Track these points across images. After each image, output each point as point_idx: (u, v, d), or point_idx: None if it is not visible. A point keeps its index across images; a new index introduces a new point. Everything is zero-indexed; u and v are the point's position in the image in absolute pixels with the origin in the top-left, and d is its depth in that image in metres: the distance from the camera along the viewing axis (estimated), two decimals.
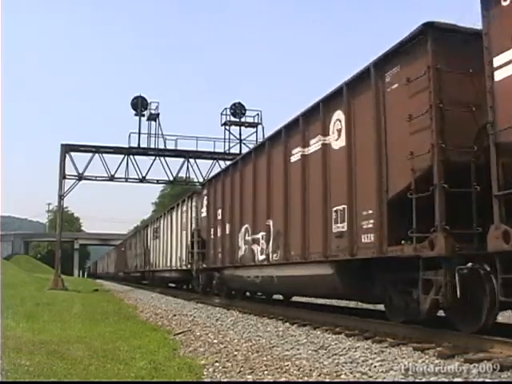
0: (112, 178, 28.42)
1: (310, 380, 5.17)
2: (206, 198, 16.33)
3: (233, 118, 29.57)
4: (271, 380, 5.29)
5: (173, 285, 26.41)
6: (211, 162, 29.32)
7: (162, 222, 25.12)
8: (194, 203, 18.32)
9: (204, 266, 16.35)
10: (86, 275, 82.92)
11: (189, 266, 18.27)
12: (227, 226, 13.80)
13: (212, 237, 15.27)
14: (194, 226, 18.02)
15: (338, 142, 8.40)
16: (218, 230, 14.62)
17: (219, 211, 14.61)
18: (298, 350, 6.74)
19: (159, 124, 28.74)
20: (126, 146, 28.10)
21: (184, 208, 20.04)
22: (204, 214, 16.53)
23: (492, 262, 5.78)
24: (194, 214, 18.13)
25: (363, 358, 5.83)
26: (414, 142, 6.57)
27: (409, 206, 6.50)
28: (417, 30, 6.62)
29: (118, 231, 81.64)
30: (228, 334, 8.71)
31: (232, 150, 28.95)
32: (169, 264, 22.41)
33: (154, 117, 28.70)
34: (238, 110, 29.57)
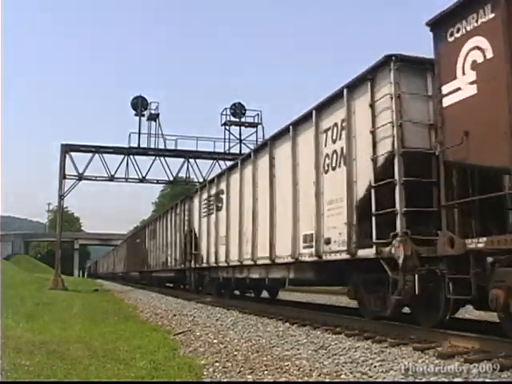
0: (112, 178, 28.46)
1: (310, 380, 5.17)
2: None
3: (233, 118, 29.62)
4: (271, 380, 5.29)
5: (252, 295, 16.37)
6: (211, 162, 29.41)
7: (231, 180, 14.30)
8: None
9: None
10: (86, 275, 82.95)
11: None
12: None
13: None
14: None
15: None
16: None
17: None
18: (298, 349, 6.74)
19: (159, 124, 28.85)
20: (126, 146, 28.14)
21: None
22: None
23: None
24: None
25: (363, 358, 5.83)
26: None
27: None
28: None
29: (118, 231, 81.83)
30: (228, 333, 8.71)
31: (232, 150, 29.05)
32: (276, 254, 10.85)
33: (153, 117, 28.74)
34: (238, 110, 29.62)
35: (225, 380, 5.44)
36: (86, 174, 28.09)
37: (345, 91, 8.45)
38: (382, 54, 7.03)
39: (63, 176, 27.38)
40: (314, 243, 9.18)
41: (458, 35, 6.28)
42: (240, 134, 29.67)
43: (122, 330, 9.23)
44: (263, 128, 29.14)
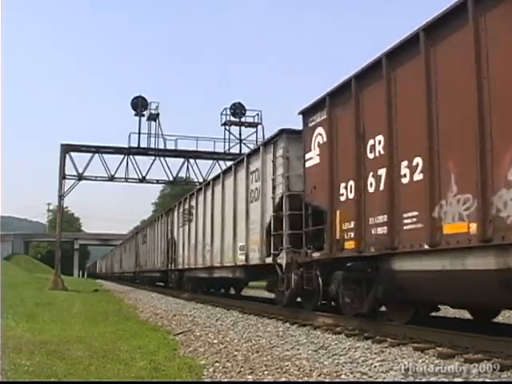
0: (112, 178, 28.47)
1: (310, 380, 5.17)
2: None
3: (233, 118, 29.58)
4: (271, 380, 5.29)
5: None
6: (211, 162, 29.40)
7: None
8: None
9: None
10: (85, 275, 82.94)
11: None
12: None
13: None
14: None
15: None
16: None
17: None
18: (298, 350, 6.75)
19: (159, 124, 28.83)
20: (126, 146, 28.13)
21: None
22: None
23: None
24: None
25: (363, 358, 5.84)
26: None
27: None
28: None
29: (118, 231, 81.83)
30: (228, 334, 8.72)
31: (232, 150, 29.01)
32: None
33: (153, 117, 28.73)
34: (238, 110, 29.59)
35: (225, 380, 5.44)
36: (85, 174, 28.14)
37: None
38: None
39: (63, 176, 27.38)
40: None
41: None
42: (240, 134, 29.67)
43: (122, 330, 9.23)
44: (263, 128, 29.15)
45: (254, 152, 12.67)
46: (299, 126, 10.20)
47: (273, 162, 11.07)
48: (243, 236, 12.70)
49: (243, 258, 12.60)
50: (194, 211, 18.15)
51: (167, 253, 22.37)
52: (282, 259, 10.27)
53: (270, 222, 11.00)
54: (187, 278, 19.37)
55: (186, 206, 19.32)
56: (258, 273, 12.29)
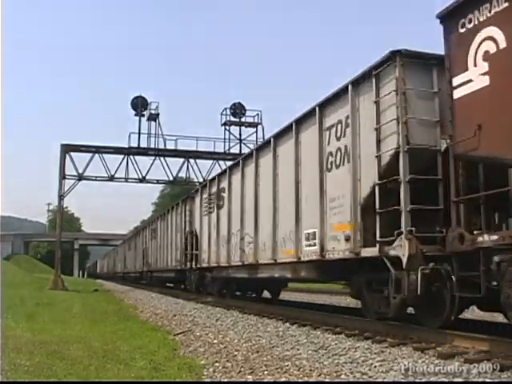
0: (112, 178, 28.48)
1: (310, 380, 5.17)
2: None
3: (233, 118, 29.63)
4: (271, 380, 5.29)
5: None
6: (211, 162, 29.43)
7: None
8: None
9: None
10: (85, 275, 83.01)
11: None
12: None
13: None
14: None
15: None
16: None
17: None
18: (298, 350, 6.74)
19: (159, 124, 28.85)
20: (126, 146, 28.14)
21: None
22: None
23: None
24: None
25: (363, 358, 5.83)
26: None
27: None
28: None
29: (118, 231, 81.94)
30: (228, 334, 8.71)
31: (232, 150, 29.05)
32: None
33: (153, 117, 28.74)
34: (237, 110, 29.62)
35: (225, 380, 5.44)
36: (85, 174, 28.14)
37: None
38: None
39: (63, 176, 27.40)
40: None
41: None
42: (240, 134, 29.70)
43: (121, 330, 9.23)
44: (263, 128, 29.18)
45: (334, 98, 8.70)
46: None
47: (375, 103, 7.53)
48: (315, 219, 8.95)
49: (315, 250, 8.96)
50: (225, 194, 14.44)
51: (185, 249, 19.17)
52: (402, 249, 6.76)
53: (373, 195, 7.42)
54: (212, 278, 15.91)
55: (214, 190, 15.61)
56: (341, 271, 8.74)
